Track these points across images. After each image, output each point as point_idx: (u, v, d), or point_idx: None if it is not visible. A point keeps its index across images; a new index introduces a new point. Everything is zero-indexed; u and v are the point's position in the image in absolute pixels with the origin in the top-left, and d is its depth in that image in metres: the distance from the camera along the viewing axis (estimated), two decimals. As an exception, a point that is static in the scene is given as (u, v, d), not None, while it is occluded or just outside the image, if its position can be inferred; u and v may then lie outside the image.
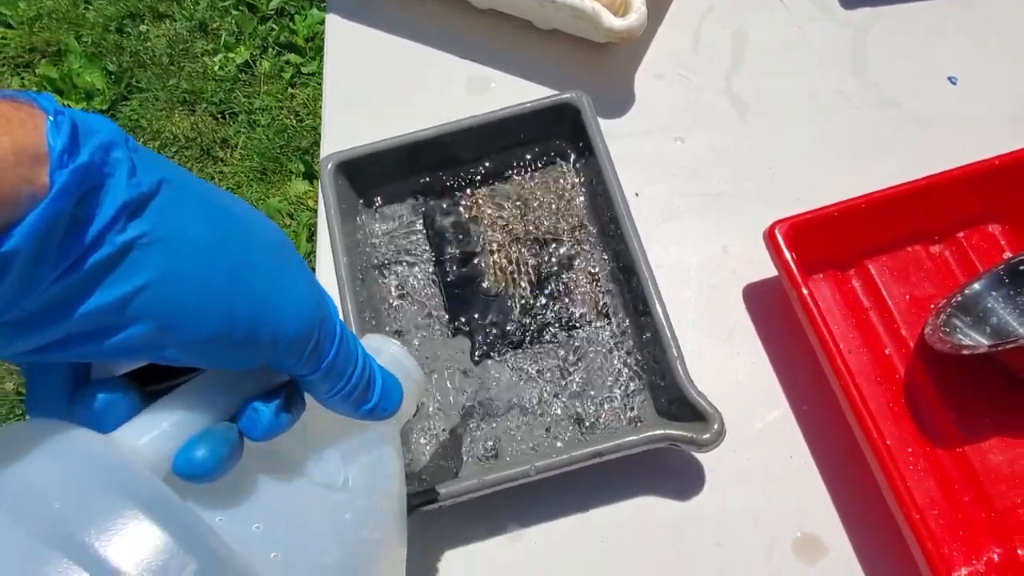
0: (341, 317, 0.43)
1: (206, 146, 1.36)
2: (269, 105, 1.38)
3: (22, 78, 1.48)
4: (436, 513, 0.41)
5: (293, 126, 1.37)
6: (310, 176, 1.33)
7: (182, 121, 1.39)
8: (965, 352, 0.38)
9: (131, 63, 1.43)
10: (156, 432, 0.21)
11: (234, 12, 1.48)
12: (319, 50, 1.45)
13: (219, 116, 1.39)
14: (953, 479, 0.40)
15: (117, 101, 1.42)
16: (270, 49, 1.44)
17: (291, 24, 1.45)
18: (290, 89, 1.40)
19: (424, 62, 0.55)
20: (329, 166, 0.45)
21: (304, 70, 1.41)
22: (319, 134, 1.43)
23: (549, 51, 0.54)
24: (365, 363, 0.26)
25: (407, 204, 0.48)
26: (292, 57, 1.43)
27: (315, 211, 1.30)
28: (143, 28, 1.48)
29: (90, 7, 1.52)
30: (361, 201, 0.48)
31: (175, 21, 1.49)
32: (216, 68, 1.42)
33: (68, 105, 1.41)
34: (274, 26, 1.46)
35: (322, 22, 1.46)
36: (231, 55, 1.43)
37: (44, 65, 1.45)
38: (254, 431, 0.23)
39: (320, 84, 1.42)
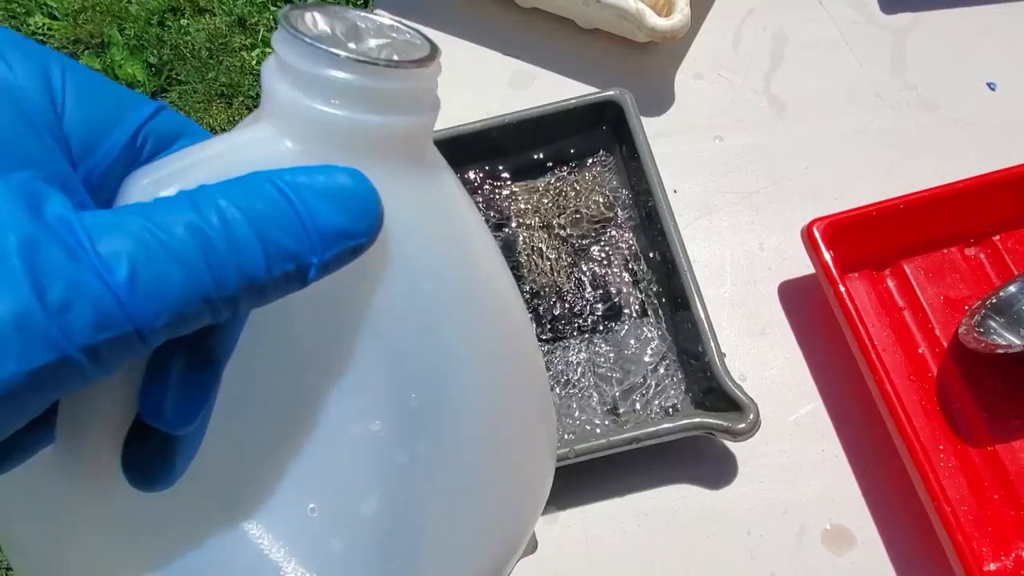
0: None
1: (242, 138, 1.39)
2: (304, 100, 1.41)
3: (66, 69, 1.52)
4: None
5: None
6: (343, 170, 1.35)
7: (220, 114, 1.42)
8: (999, 351, 0.39)
9: (171, 56, 1.47)
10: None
11: (272, 8, 1.51)
12: (354, 47, 1.47)
13: (256, 109, 1.42)
14: (983, 477, 0.40)
15: (157, 93, 1.46)
16: (306, 45, 1.47)
17: (327, 20, 1.48)
18: (325, 84, 1.43)
19: (469, 59, 0.56)
20: (379, 156, 0.47)
21: (339, 66, 1.44)
22: (351, 129, 1.45)
23: (590, 49, 0.55)
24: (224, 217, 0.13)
25: (451, 195, 0.49)
26: (328, 53, 1.45)
27: (347, 205, 1.32)
28: (184, 22, 1.52)
29: (133, 0, 1.56)
30: (407, 191, 0.49)
31: (215, 16, 1.52)
32: (254, 63, 1.45)
33: (109, 96, 1.45)
34: (311, 22, 1.49)
35: (358, 19, 1.49)
36: (268, 50, 1.47)
37: (87, 56, 1.49)
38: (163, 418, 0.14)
39: (354, 80, 1.44)
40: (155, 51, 1.48)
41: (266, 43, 1.46)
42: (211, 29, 1.48)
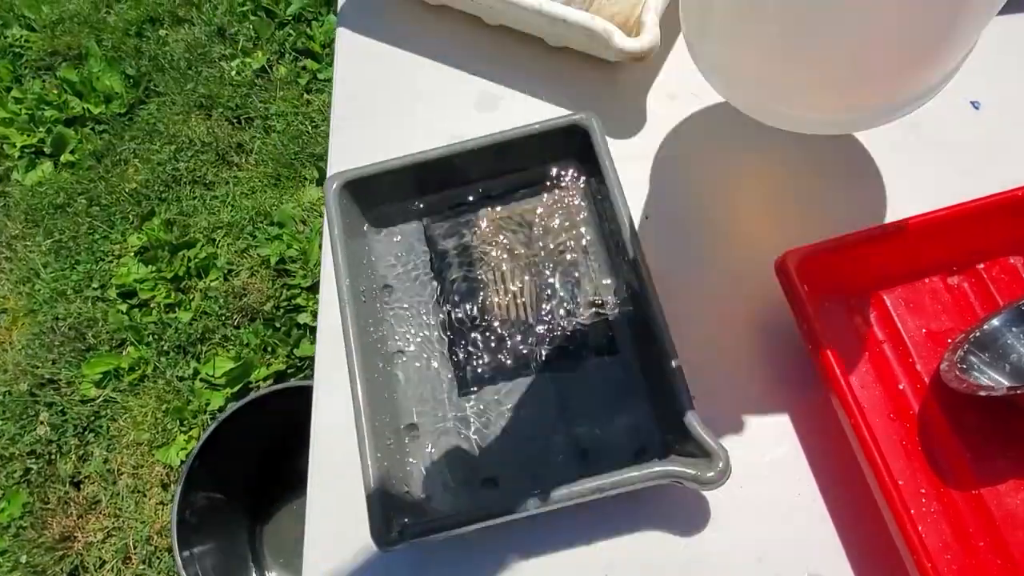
0: (343, 337, 0.42)
1: (222, 151, 1.37)
2: (285, 111, 1.39)
3: (43, 80, 1.49)
4: (433, 544, 0.40)
5: (308, 132, 1.37)
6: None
7: (198, 125, 1.40)
8: (981, 393, 0.37)
9: (150, 67, 1.44)
10: None
11: (252, 17, 1.48)
12: (336, 56, 1.45)
13: (235, 121, 1.40)
14: (967, 523, 0.38)
15: (135, 105, 1.44)
16: (287, 54, 1.45)
17: (308, 30, 1.46)
18: (306, 95, 1.41)
19: (434, 78, 0.54)
20: (334, 186, 0.45)
21: (320, 76, 1.42)
22: (334, 140, 1.44)
23: (560, 68, 0.53)
24: None
25: (412, 224, 0.47)
26: (309, 63, 1.43)
27: (328, 217, 1.31)
28: (162, 32, 1.49)
29: (111, 11, 1.54)
30: (366, 220, 0.47)
31: (194, 26, 1.50)
32: (233, 73, 1.43)
33: (87, 107, 1.42)
34: (291, 32, 1.47)
35: (339, 28, 1.47)
36: (248, 60, 1.44)
37: (65, 68, 1.47)
38: None
39: (336, 90, 1.43)
40: (133, 62, 1.45)
41: (245, 52, 1.44)
42: (190, 39, 1.46)
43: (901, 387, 0.42)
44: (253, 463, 1.06)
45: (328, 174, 0.48)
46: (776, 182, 0.49)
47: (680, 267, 0.47)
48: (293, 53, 1.45)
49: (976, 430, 0.40)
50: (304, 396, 1.01)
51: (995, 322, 0.40)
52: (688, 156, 0.50)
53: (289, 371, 1.21)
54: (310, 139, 1.37)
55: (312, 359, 1.21)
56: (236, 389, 1.19)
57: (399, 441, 0.42)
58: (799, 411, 0.43)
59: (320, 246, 1.27)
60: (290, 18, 1.48)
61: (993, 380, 0.39)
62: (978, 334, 0.40)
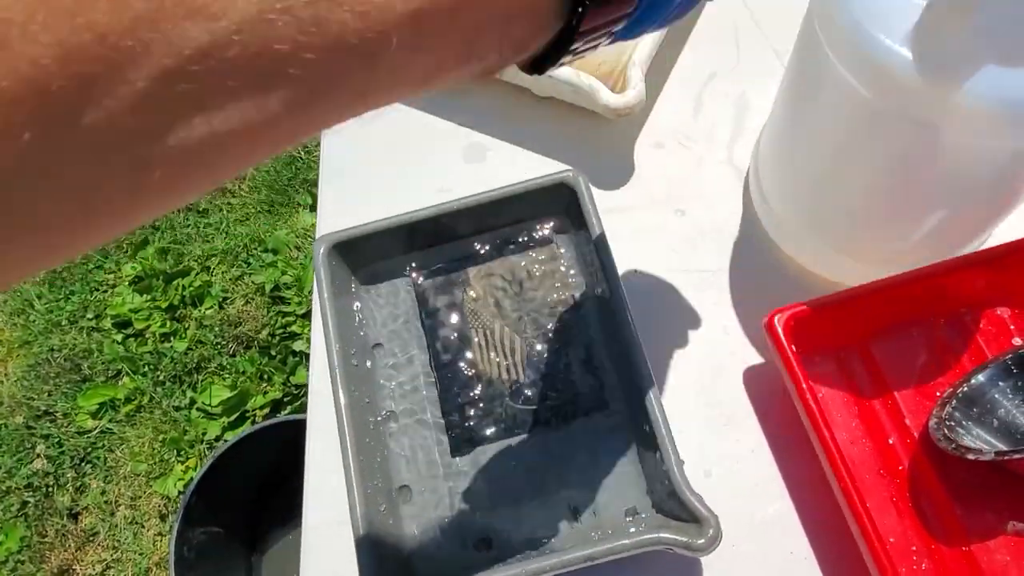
0: (334, 401, 0.42)
1: (215, 178, 1.37)
2: (277, 136, 1.39)
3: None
4: (427, 608, 0.40)
5: (301, 158, 1.37)
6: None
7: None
8: (970, 457, 0.37)
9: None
10: None
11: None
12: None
13: (228, 147, 1.40)
14: (958, 581, 0.39)
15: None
16: (279, 80, 1.45)
17: (300, 55, 1.46)
18: (298, 120, 1.41)
19: (421, 130, 0.55)
20: (322, 249, 0.45)
21: (312, 101, 1.42)
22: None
23: (547, 119, 0.54)
24: None
25: (401, 282, 0.47)
26: (301, 88, 1.43)
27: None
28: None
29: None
30: (355, 278, 0.47)
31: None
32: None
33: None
34: (283, 57, 1.47)
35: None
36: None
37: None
38: None
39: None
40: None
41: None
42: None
43: (891, 442, 0.42)
44: (249, 496, 1.06)
45: (317, 233, 0.48)
46: (764, 238, 0.49)
47: (671, 320, 0.47)
48: (285, 78, 1.45)
49: (965, 485, 0.41)
50: (299, 428, 1.01)
51: (980, 378, 0.41)
52: (676, 206, 0.50)
53: (286, 399, 1.21)
54: (303, 165, 1.37)
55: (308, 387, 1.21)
56: (233, 418, 1.19)
57: (391, 505, 0.42)
58: (790, 466, 0.43)
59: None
60: (281, 43, 1.49)
61: (981, 439, 0.39)
62: (965, 389, 0.41)
